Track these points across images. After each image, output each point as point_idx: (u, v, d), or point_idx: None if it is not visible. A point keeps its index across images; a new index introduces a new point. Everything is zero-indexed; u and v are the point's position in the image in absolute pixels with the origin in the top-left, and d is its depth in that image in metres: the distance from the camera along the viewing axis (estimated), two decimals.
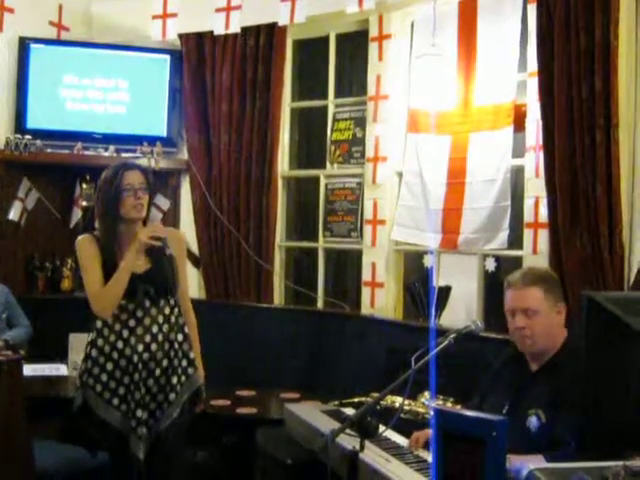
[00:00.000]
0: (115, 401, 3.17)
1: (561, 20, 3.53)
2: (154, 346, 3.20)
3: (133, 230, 3.23)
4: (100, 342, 3.21)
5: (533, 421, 2.63)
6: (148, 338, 3.20)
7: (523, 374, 2.82)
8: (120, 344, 3.18)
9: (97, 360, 3.20)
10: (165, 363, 3.23)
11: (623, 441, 1.79)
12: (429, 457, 2.59)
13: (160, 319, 3.23)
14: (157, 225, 3.17)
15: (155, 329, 3.21)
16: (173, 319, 3.28)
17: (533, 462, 2.41)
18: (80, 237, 3.29)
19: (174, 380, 3.24)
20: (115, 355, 3.18)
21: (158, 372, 3.21)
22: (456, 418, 1.98)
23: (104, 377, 3.18)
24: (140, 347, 3.18)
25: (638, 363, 1.79)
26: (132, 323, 3.20)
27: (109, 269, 3.16)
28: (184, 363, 3.30)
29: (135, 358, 3.17)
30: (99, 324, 3.23)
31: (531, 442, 2.56)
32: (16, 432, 3.47)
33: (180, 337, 3.30)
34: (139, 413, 3.14)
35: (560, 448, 2.45)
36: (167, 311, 3.26)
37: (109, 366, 3.18)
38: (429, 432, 2.85)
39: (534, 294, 2.76)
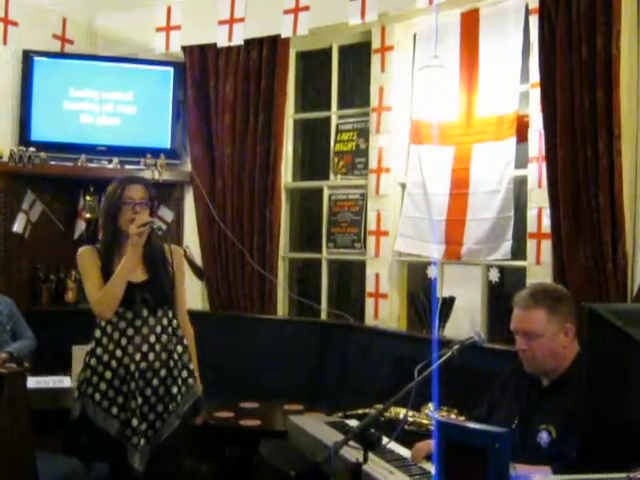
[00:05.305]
0: (114, 410, 3.19)
1: (563, 31, 3.54)
2: (151, 355, 3.23)
3: None
4: (99, 351, 3.24)
5: (544, 437, 2.56)
6: (145, 347, 3.23)
7: (534, 389, 2.74)
8: (119, 352, 3.21)
9: (96, 369, 3.23)
10: (163, 373, 3.25)
11: (626, 453, 1.79)
12: (432, 469, 2.58)
13: (158, 329, 3.27)
14: (140, 215, 3.22)
15: (153, 339, 3.25)
16: (171, 330, 3.31)
17: (539, 472, 2.39)
18: (81, 249, 3.36)
19: (174, 390, 3.26)
20: (114, 364, 3.21)
21: (156, 382, 3.23)
22: (458, 430, 1.96)
23: (103, 386, 3.20)
24: (137, 356, 3.21)
25: None
26: (130, 332, 3.23)
27: (108, 277, 3.21)
28: (184, 374, 3.33)
29: (132, 367, 3.19)
30: (98, 333, 3.27)
31: (541, 457, 2.50)
32: (20, 444, 3.47)
33: (180, 348, 3.33)
34: (134, 422, 3.16)
35: (567, 462, 2.39)
36: (165, 322, 3.29)
37: (108, 375, 3.21)
38: (431, 443, 2.83)
39: (537, 317, 2.64)
